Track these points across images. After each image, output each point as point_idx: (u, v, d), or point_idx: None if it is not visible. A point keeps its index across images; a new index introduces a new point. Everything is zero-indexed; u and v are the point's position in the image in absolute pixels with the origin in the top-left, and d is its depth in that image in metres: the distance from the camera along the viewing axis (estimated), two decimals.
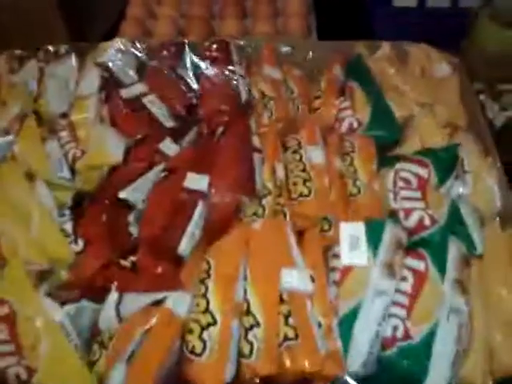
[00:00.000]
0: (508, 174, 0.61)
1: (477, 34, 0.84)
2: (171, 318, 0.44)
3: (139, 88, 0.68)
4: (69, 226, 0.54)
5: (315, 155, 0.61)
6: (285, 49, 0.77)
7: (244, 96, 0.68)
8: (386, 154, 0.65)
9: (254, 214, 0.56)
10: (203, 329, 0.44)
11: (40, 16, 1.05)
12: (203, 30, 0.95)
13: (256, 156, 0.61)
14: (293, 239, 0.52)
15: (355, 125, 0.67)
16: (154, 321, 0.44)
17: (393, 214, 0.55)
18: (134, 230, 0.54)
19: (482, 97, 0.79)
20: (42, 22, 1.05)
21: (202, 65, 0.72)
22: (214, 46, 0.74)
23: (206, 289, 0.46)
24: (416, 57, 0.76)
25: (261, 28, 0.94)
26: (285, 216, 0.56)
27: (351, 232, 0.51)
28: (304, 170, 0.59)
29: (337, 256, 0.51)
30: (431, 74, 0.73)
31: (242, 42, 0.77)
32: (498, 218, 0.55)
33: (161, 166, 0.59)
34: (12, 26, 1.02)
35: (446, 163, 0.59)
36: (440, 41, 0.81)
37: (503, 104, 0.77)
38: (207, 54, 0.73)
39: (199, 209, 0.55)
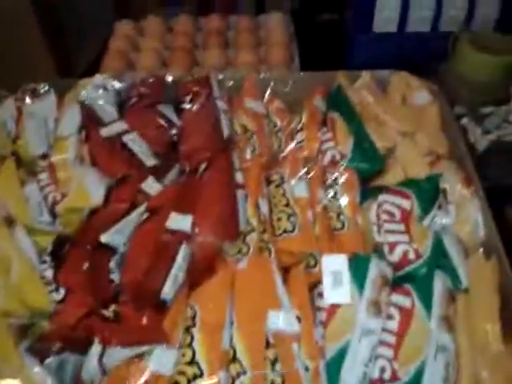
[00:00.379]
0: (490, 199, 0.61)
1: (456, 58, 0.85)
2: (157, 380, 0.43)
3: (119, 126, 0.68)
4: (49, 274, 0.53)
5: (298, 189, 0.61)
6: (266, 80, 0.77)
7: (226, 131, 0.68)
8: (368, 185, 0.65)
9: (239, 252, 0.55)
10: (189, 381, 0.43)
11: (26, 48, 1.05)
12: (186, 61, 0.96)
13: (239, 192, 0.60)
14: (278, 277, 0.52)
15: (338, 157, 0.66)
16: None
17: (377, 248, 0.55)
18: (115, 277, 0.53)
19: (464, 120, 0.79)
20: (27, 55, 1.06)
21: (183, 100, 0.72)
22: (195, 81, 0.74)
23: (192, 338, 0.46)
24: (396, 85, 0.76)
25: (243, 58, 0.95)
26: (269, 253, 0.55)
27: (333, 268, 0.51)
28: (288, 205, 0.59)
29: (322, 295, 0.51)
30: (411, 102, 0.74)
31: (222, 76, 0.77)
32: (481, 249, 0.55)
33: (143, 207, 0.59)
34: None
35: (429, 194, 0.59)
36: (421, 64, 0.84)
37: (485, 127, 0.77)
38: (188, 88, 0.73)
39: (182, 250, 0.54)
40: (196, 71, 0.95)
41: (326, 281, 0.50)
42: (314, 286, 0.54)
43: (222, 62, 0.96)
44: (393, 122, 0.70)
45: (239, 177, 0.63)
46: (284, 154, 0.68)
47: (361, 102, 0.73)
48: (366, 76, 0.77)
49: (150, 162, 0.65)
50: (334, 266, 0.50)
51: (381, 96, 0.75)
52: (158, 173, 0.64)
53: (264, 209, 0.59)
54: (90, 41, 1.11)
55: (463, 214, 0.59)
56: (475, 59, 0.80)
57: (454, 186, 0.60)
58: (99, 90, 0.72)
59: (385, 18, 0.92)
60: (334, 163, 0.67)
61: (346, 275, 0.50)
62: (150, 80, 0.75)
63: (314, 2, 1.21)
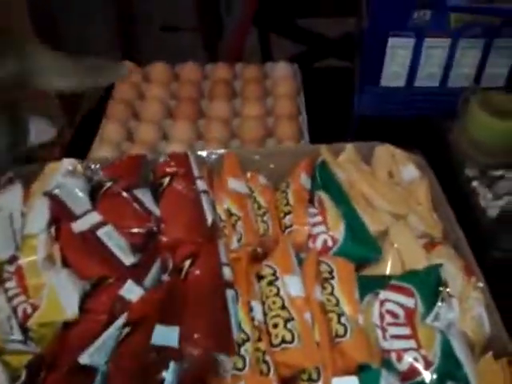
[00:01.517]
0: (501, 270, 0.59)
1: (466, 120, 0.83)
2: None
3: (93, 218, 0.62)
4: None
5: (293, 286, 0.57)
6: (248, 156, 0.74)
7: (210, 217, 0.63)
8: (363, 272, 0.62)
9: (234, 366, 0.50)
10: None
11: None
12: (192, 111, 0.94)
13: (229, 293, 0.56)
14: None
15: (330, 243, 0.63)
16: None
17: (383, 355, 0.51)
18: None
19: (474, 183, 0.78)
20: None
21: (161, 183, 0.67)
22: (172, 160, 0.70)
23: None
24: (381, 158, 0.74)
25: (250, 110, 0.94)
26: (267, 365, 0.51)
27: None
28: (283, 307, 0.55)
29: None
30: (399, 178, 0.71)
31: (202, 153, 0.73)
32: (490, 352, 0.52)
33: (123, 319, 0.53)
34: None
35: (431, 288, 0.56)
36: (429, 120, 0.88)
37: (496, 192, 0.76)
38: (165, 169, 0.69)
39: (171, 372, 0.48)
40: (200, 124, 0.93)
41: None
42: None
43: (228, 114, 0.94)
44: (383, 203, 0.67)
45: (227, 272, 0.58)
46: (273, 240, 0.64)
47: (347, 178, 0.71)
48: (349, 149, 0.75)
49: (129, 259, 0.60)
50: None
51: (367, 170, 0.73)
52: (138, 272, 0.59)
53: (258, 313, 0.54)
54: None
55: (467, 310, 0.56)
56: (486, 123, 0.79)
57: (454, 277, 0.57)
58: (68, 177, 0.66)
59: (393, 72, 0.91)
60: (326, 249, 0.63)
61: None
62: (125, 162, 0.70)
63: (321, 48, 1.21)
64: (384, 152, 0.74)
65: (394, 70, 0.92)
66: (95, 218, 0.63)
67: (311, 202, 0.69)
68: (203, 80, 1.03)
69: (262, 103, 0.97)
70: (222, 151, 0.75)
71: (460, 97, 0.86)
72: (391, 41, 0.89)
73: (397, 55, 0.91)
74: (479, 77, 0.92)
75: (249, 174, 0.73)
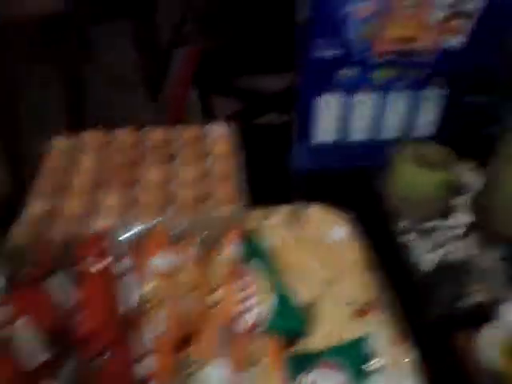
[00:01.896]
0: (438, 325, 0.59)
1: (397, 173, 0.83)
2: None
3: (5, 313, 0.58)
4: None
5: (218, 375, 0.53)
6: (178, 226, 0.71)
7: (128, 305, 0.60)
8: (294, 351, 0.59)
9: None
10: None
11: None
12: (125, 178, 0.90)
13: None
14: None
15: (259, 317, 0.60)
16: None
17: None
18: None
19: (408, 237, 0.77)
20: None
21: (79, 267, 0.64)
22: (91, 241, 0.67)
23: None
24: (313, 220, 0.72)
25: (186, 174, 0.91)
26: None
27: None
28: None
29: None
30: (330, 238, 0.70)
31: (128, 228, 0.70)
32: None
33: None
34: None
35: (360, 362, 0.54)
36: (362, 174, 0.89)
37: (430, 244, 0.74)
38: (84, 252, 0.65)
39: None
40: (135, 191, 0.88)
41: None
42: None
43: (163, 179, 0.91)
44: (315, 266, 0.65)
45: (147, 363, 0.55)
46: (199, 320, 0.61)
47: (277, 244, 0.69)
48: (281, 211, 0.73)
49: (41, 356, 0.56)
50: None
51: (299, 232, 0.71)
52: (51, 370, 0.54)
53: None
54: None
55: (398, 377, 0.53)
56: (415, 175, 0.78)
57: (384, 346, 0.55)
58: None
59: (325, 127, 0.92)
60: (255, 325, 0.60)
61: None
62: (39, 248, 0.67)
63: (262, 104, 1.21)
64: (315, 213, 0.73)
65: (327, 125, 0.92)
66: (7, 312, 0.59)
67: (242, 272, 0.66)
68: (139, 145, 1.01)
69: (199, 165, 0.95)
70: (149, 223, 0.72)
71: (391, 149, 0.86)
72: (322, 98, 0.90)
73: (328, 111, 0.91)
74: (409, 127, 0.93)
75: (179, 245, 0.70)
